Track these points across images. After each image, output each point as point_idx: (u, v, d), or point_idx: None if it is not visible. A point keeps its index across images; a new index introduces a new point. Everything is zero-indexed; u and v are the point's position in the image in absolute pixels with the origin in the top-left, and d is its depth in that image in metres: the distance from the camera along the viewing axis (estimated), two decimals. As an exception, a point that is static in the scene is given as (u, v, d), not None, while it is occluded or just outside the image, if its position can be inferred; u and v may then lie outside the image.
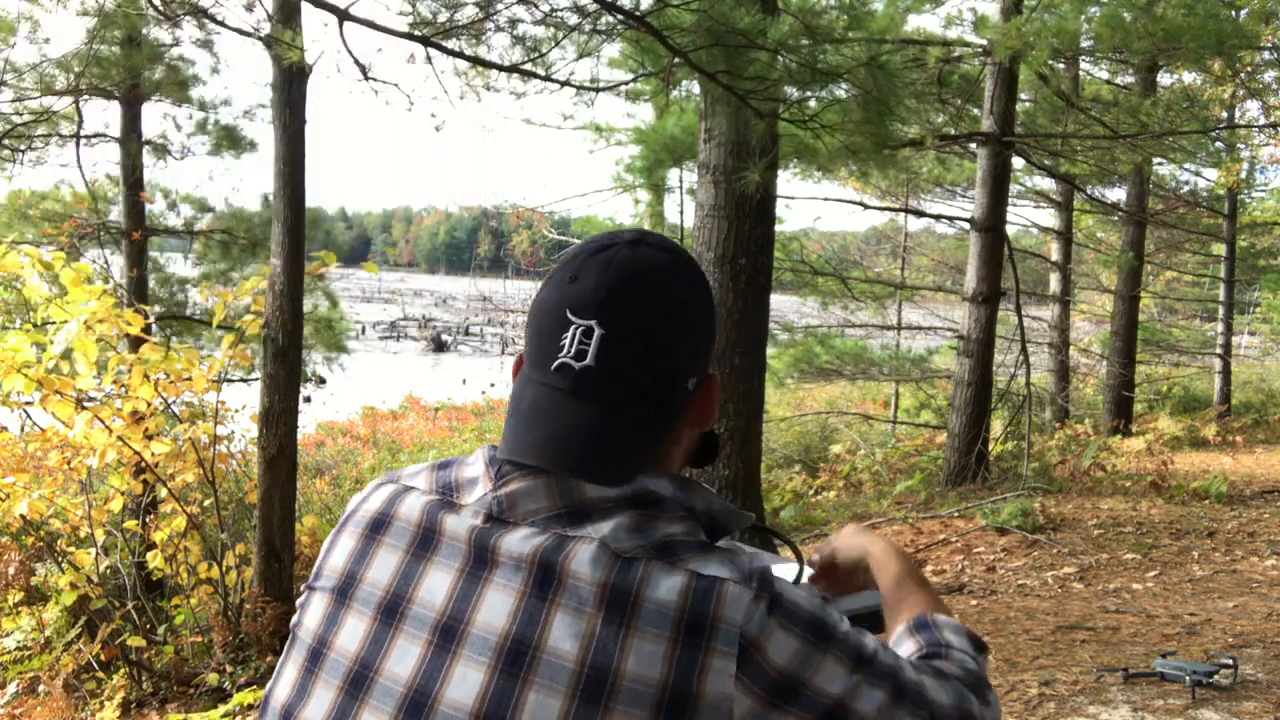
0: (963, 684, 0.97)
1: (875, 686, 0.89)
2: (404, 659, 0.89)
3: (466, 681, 0.85)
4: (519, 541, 0.89)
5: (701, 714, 0.83)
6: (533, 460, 0.92)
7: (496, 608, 0.87)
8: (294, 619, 0.99)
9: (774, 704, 0.86)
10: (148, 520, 5.37)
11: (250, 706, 4.17)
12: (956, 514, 7.54)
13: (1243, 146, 14.23)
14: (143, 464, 4.98)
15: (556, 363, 0.93)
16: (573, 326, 0.93)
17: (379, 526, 0.96)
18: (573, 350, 0.93)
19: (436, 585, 0.90)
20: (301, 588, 1.02)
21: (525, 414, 0.94)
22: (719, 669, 0.84)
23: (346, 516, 1.00)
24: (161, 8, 5.53)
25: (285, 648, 0.98)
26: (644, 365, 0.94)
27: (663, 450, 0.97)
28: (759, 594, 0.87)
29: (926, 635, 1.05)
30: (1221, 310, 15.85)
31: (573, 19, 4.79)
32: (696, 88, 6.43)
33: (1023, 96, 10.88)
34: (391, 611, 0.91)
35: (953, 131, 10.04)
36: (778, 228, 6.76)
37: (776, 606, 0.87)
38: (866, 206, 12.66)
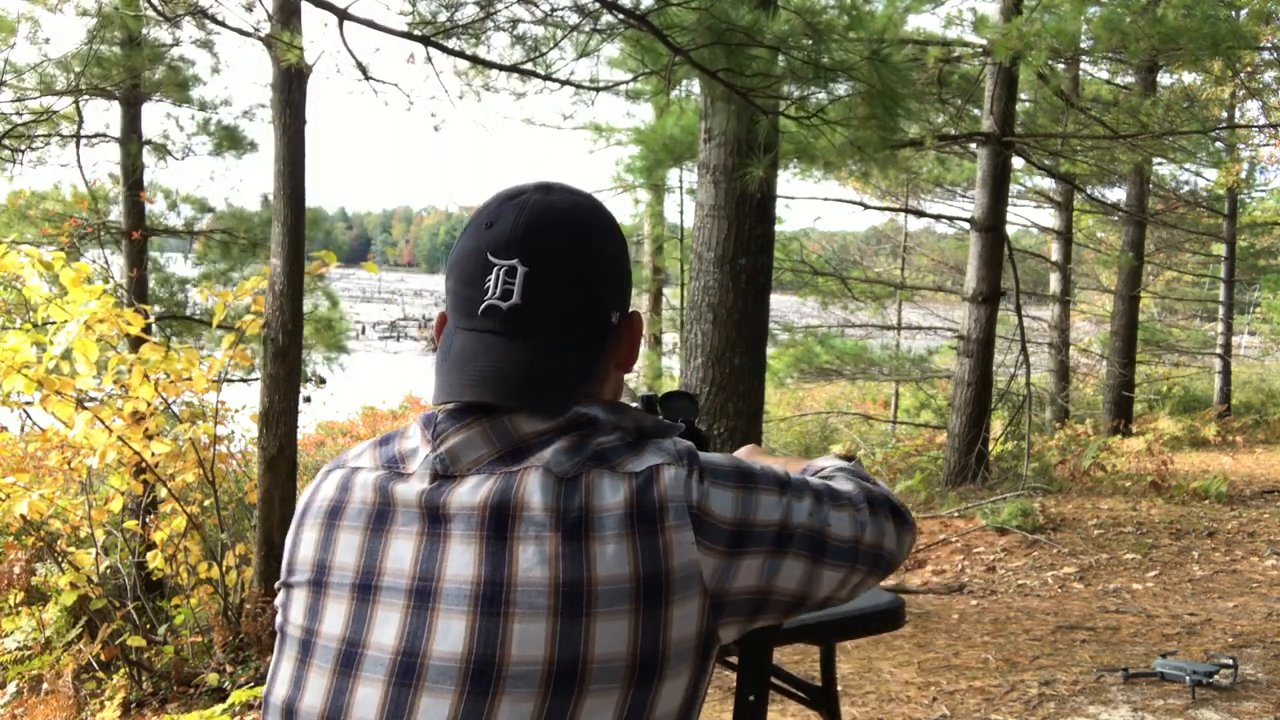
0: (848, 476, 1.11)
1: (800, 498, 0.99)
2: (386, 628, 0.91)
3: (450, 633, 0.89)
4: (468, 493, 0.92)
5: (676, 587, 0.90)
6: (469, 397, 0.95)
7: (461, 559, 0.91)
8: (278, 619, 1.01)
9: (735, 552, 0.93)
10: (148, 520, 5.37)
11: (250, 705, 4.17)
12: (956, 514, 7.54)
13: (1243, 146, 14.22)
14: (143, 464, 4.97)
15: (483, 306, 0.96)
16: (495, 268, 0.95)
17: (335, 512, 0.98)
18: (498, 291, 0.95)
19: (401, 553, 0.93)
20: (275, 586, 1.04)
21: (456, 359, 0.97)
22: (680, 541, 0.91)
23: (304, 509, 1.02)
24: (161, 8, 5.53)
25: (276, 647, 1.00)
26: (569, 297, 0.97)
27: (595, 385, 1.01)
28: (690, 467, 0.94)
29: (808, 472, 1.16)
30: (1221, 310, 15.84)
31: (573, 18, 4.79)
32: (697, 87, 6.43)
33: (1023, 96, 10.88)
34: (366, 588, 0.94)
35: (953, 131, 10.03)
36: (778, 228, 6.76)
37: (706, 472, 0.95)
38: (866, 206, 12.67)
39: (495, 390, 0.94)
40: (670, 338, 13.22)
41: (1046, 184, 14.08)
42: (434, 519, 0.93)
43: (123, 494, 5.14)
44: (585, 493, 0.91)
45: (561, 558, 0.88)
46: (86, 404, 4.93)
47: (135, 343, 5.42)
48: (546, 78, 4.98)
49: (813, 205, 14.20)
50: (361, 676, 0.91)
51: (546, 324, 0.96)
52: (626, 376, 1.10)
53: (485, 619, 0.88)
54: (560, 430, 0.95)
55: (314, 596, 0.97)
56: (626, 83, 5.89)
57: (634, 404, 1.21)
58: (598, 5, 4.65)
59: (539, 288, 0.95)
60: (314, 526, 0.99)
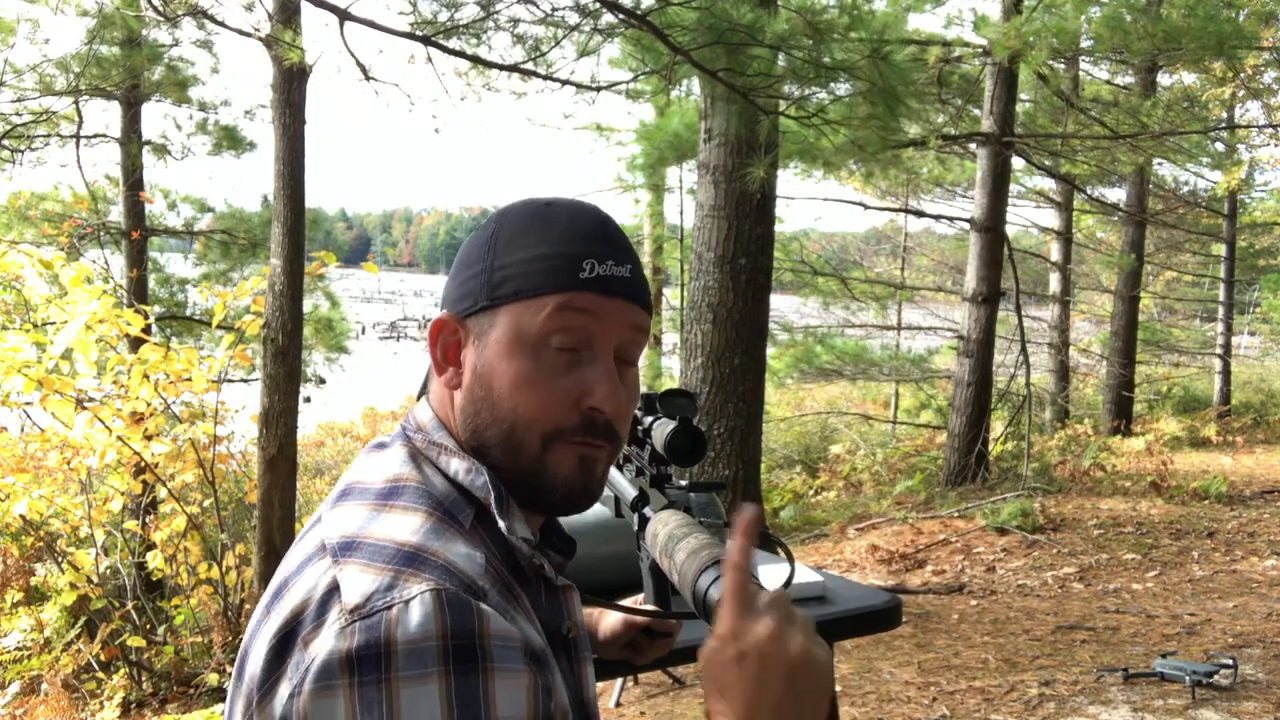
0: None
1: None
2: None
3: None
4: None
5: None
6: None
7: None
8: None
9: None
10: (148, 520, 5.37)
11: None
12: (956, 514, 7.53)
13: (1242, 147, 14.21)
14: (143, 464, 4.97)
15: None
16: None
17: None
18: None
19: None
20: None
21: None
22: (271, 710, 0.72)
23: None
24: (161, 8, 5.53)
25: None
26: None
27: (431, 396, 0.94)
28: (348, 628, 0.70)
29: None
30: (1221, 310, 15.83)
31: (573, 18, 4.79)
32: (697, 87, 6.43)
33: (1023, 96, 10.87)
34: None
35: (953, 131, 10.03)
36: (778, 228, 6.75)
37: (363, 655, 0.68)
38: (867, 207, 12.64)
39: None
40: (670, 338, 13.22)
41: (1046, 184, 14.07)
42: None
43: (123, 494, 5.14)
44: (297, 575, 0.78)
45: (239, 656, 0.78)
46: (86, 404, 4.93)
47: (135, 343, 5.42)
48: (547, 78, 4.98)
49: (813, 205, 14.20)
50: None
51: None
52: None
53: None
54: (380, 479, 0.85)
55: None
56: (627, 82, 5.89)
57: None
58: (598, 5, 4.65)
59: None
60: None
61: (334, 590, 0.73)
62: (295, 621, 0.73)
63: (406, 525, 0.78)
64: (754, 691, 0.68)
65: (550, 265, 0.85)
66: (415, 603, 0.70)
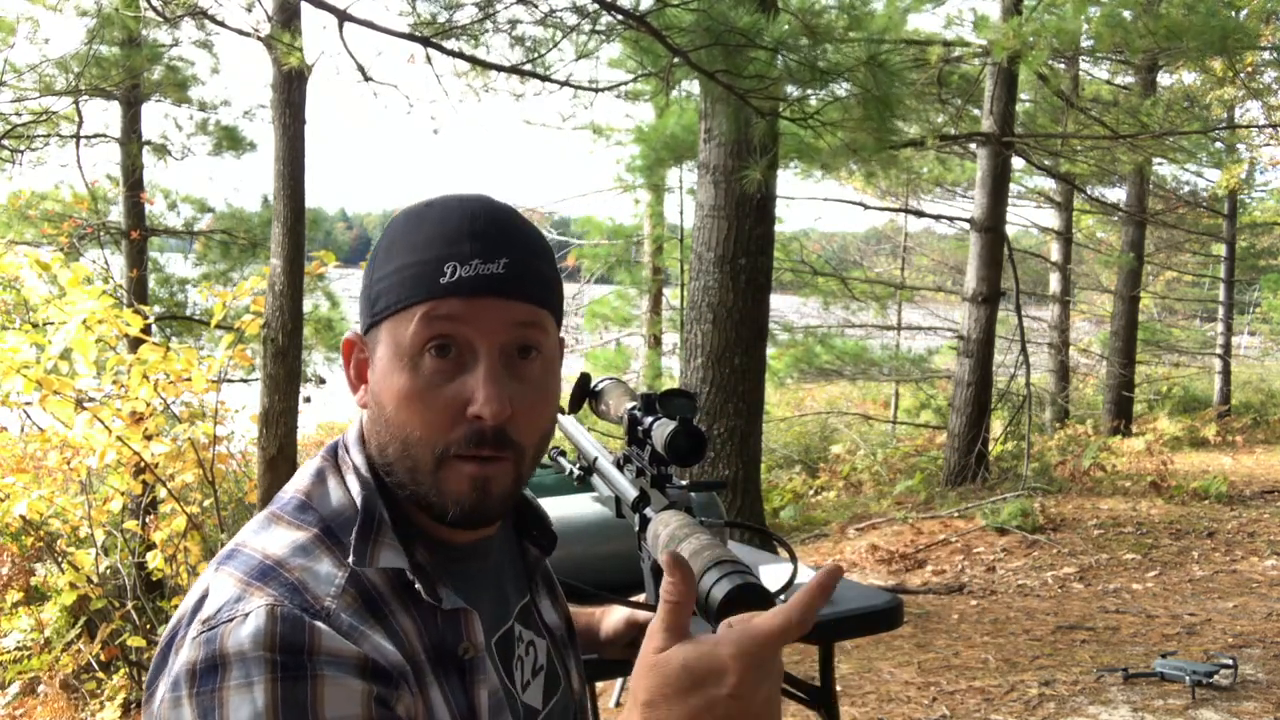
0: None
1: None
2: None
3: None
4: None
5: None
6: None
7: None
8: None
9: None
10: (148, 520, 5.37)
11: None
12: (956, 514, 7.53)
13: (1242, 147, 14.19)
14: (142, 464, 4.97)
15: None
16: None
17: None
18: None
19: None
20: None
21: None
22: (150, 709, 0.76)
23: None
24: (161, 9, 5.53)
25: None
26: None
27: (365, 416, 0.91)
28: (196, 639, 0.74)
29: None
30: (1221, 310, 15.83)
31: (572, 19, 4.79)
32: (696, 88, 6.43)
33: (1023, 96, 10.87)
34: None
35: (953, 131, 10.03)
36: (778, 228, 6.76)
37: (203, 668, 0.73)
38: (866, 207, 12.65)
39: None
40: (670, 338, 13.21)
41: (1046, 184, 14.07)
42: None
43: (122, 494, 5.13)
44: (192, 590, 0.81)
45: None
46: (86, 404, 4.92)
47: (135, 343, 5.42)
48: (546, 79, 4.98)
49: (813, 205, 14.19)
50: None
51: None
52: (626, 377, 1.02)
53: None
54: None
55: None
56: (626, 83, 5.90)
57: (630, 403, 1.19)
58: (597, 6, 4.65)
59: None
60: None
61: (204, 598, 0.78)
62: (177, 626, 0.78)
63: (280, 539, 0.82)
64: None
65: (412, 274, 0.84)
66: (251, 617, 0.74)
